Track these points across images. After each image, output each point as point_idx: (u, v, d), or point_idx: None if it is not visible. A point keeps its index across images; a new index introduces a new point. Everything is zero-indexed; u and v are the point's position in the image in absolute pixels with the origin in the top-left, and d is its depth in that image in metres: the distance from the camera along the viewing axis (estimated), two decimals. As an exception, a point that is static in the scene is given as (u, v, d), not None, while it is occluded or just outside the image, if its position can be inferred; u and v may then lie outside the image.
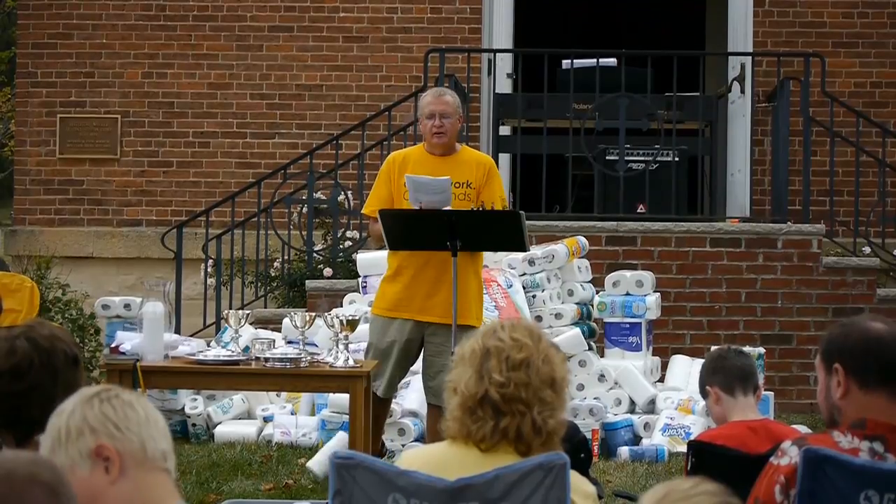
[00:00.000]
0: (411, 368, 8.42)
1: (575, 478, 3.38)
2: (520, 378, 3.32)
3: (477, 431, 3.34)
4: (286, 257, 10.54)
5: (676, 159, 10.45)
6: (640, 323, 8.84)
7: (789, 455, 3.21)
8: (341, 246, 10.45)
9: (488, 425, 3.33)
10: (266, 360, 5.85)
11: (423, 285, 6.71)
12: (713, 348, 4.80)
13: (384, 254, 9.12)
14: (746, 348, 7.39)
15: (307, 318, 6.01)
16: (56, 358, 3.15)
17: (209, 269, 10.54)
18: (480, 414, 3.33)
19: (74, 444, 2.59)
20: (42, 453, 2.56)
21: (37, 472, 2.31)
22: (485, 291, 8.55)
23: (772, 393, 8.71)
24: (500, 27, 11.84)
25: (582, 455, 4.91)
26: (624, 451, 8.12)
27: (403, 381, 8.38)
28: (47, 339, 3.18)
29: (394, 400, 8.21)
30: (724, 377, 4.46)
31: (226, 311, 6.54)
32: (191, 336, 8.84)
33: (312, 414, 8.55)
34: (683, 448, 6.29)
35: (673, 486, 2.41)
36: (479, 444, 3.34)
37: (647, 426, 8.40)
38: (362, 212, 7.53)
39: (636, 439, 8.38)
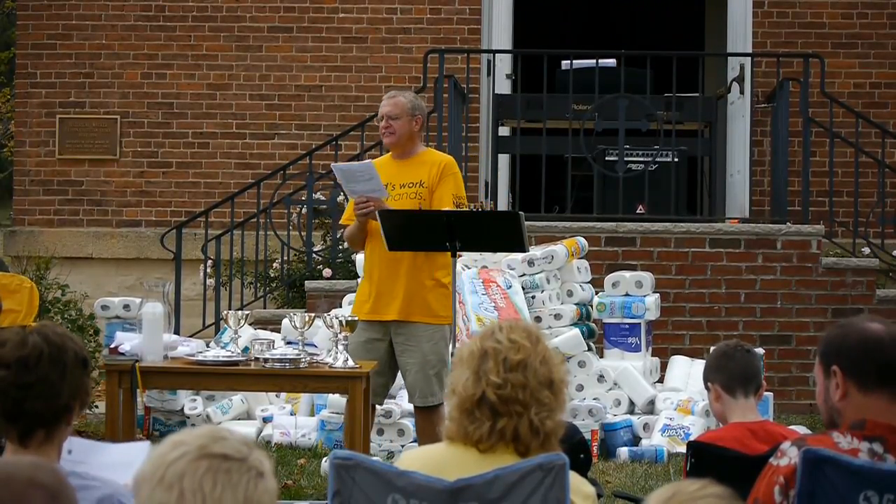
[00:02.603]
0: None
1: (574, 478, 3.39)
2: (517, 379, 3.33)
3: (474, 432, 3.35)
4: (285, 258, 10.54)
5: (676, 160, 10.45)
6: (640, 323, 8.84)
7: (789, 456, 3.21)
8: (340, 247, 10.44)
9: (485, 426, 3.34)
10: (265, 360, 5.85)
11: (378, 285, 6.67)
12: (721, 342, 4.71)
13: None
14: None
15: (306, 318, 6.01)
16: (66, 354, 3.16)
17: (208, 270, 10.54)
18: (478, 415, 3.34)
19: (158, 491, 2.38)
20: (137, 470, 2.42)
21: (37, 475, 2.31)
22: (484, 292, 8.58)
23: (771, 394, 8.71)
24: (499, 28, 11.84)
25: (581, 456, 4.91)
26: (623, 451, 8.12)
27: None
28: (59, 336, 3.19)
29: (393, 400, 8.22)
30: (726, 377, 4.41)
31: (225, 312, 6.54)
32: (190, 337, 8.83)
33: (312, 414, 8.56)
34: (683, 449, 6.29)
35: (680, 487, 2.40)
36: (477, 445, 3.35)
37: (646, 427, 8.40)
38: (340, 221, 7.38)
39: (635, 440, 8.38)
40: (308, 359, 5.89)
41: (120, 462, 3.40)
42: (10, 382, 3.11)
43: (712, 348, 4.69)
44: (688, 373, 8.92)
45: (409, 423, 8.02)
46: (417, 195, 6.63)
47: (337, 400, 8.03)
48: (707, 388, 4.48)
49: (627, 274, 9.04)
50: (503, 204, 11.37)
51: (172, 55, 11.85)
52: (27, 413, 3.11)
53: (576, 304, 8.89)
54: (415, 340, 6.49)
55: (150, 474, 2.34)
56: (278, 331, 9.00)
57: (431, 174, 6.64)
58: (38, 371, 3.12)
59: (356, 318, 6.04)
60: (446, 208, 6.56)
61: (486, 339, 3.39)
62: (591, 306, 8.98)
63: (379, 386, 6.57)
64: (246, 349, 6.77)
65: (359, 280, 9.25)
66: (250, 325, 8.77)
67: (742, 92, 11.43)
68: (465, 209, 6.66)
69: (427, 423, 6.62)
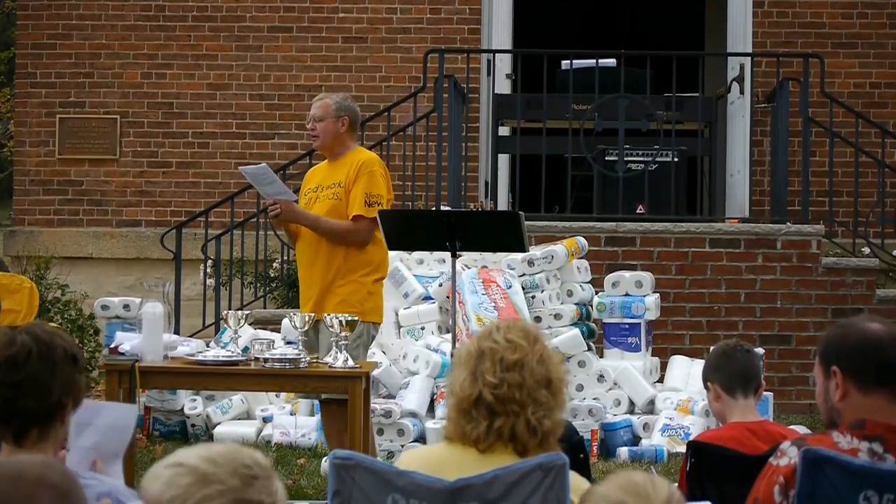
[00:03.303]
0: (410, 368, 8.46)
1: (574, 478, 3.39)
2: (513, 379, 3.34)
3: (472, 432, 3.35)
4: (285, 258, 10.54)
5: (676, 160, 10.45)
6: (640, 323, 8.84)
7: (788, 455, 3.21)
8: (340, 246, 10.44)
9: (482, 426, 3.34)
10: (265, 360, 5.84)
11: (302, 283, 6.70)
12: (721, 342, 4.70)
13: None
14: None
15: (306, 318, 6.01)
16: (55, 352, 3.15)
17: (208, 270, 10.54)
18: (475, 415, 3.35)
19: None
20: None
21: (46, 474, 2.30)
22: (484, 292, 8.58)
23: (771, 394, 8.71)
24: (499, 28, 11.84)
25: (581, 456, 4.90)
26: (623, 451, 8.12)
27: (403, 380, 8.41)
28: (47, 334, 3.19)
29: (393, 400, 8.22)
30: (726, 377, 4.40)
31: (225, 312, 6.54)
32: (190, 337, 8.83)
33: (311, 414, 8.55)
34: (682, 448, 6.29)
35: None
36: (476, 444, 3.36)
37: (646, 427, 8.40)
38: None
39: (635, 440, 8.38)
40: (308, 359, 5.89)
41: (114, 426, 3.44)
42: (0, 382, 3.11)
43: (712, 348, 4.68)
44: (688, 373, 8.92)
45: (409, 422, 8.03)
46: (335, 195, 6.58)
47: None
48: (706, 387, 4.47)
49: (627, 274, 9.04)
50: (503, 204, 11.37)
51: (172, 55, 11.85)
52: (20, 412, 3.11)
53: (576, 304, 8.89)
54: (326, 335, 6.32)
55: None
56: (278, 331, 9.00)
57: (349, 174, 6.58)
58: (27, 369, 3.12)
59: (356, 318, 6.04)
60: (357, 206, 6.49)
61: (484, 339, 3.41)
62: (591, 306, 8.98)
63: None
64: (246, 349, 6.77)
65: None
66: (250, 324, 8.77)
67: (742, 92, 11.43)
68: (380, 208, 6.50)
69: (332, 418, 6.58)
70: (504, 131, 11.32)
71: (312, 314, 6.23)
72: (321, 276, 6.56)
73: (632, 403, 8.68)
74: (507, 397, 3.33)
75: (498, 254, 8.79)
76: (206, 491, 2.30)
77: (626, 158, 10.36)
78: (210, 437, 8.56)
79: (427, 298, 8.91)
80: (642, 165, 10.39)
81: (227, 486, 2.31)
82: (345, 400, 6.38)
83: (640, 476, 2.48)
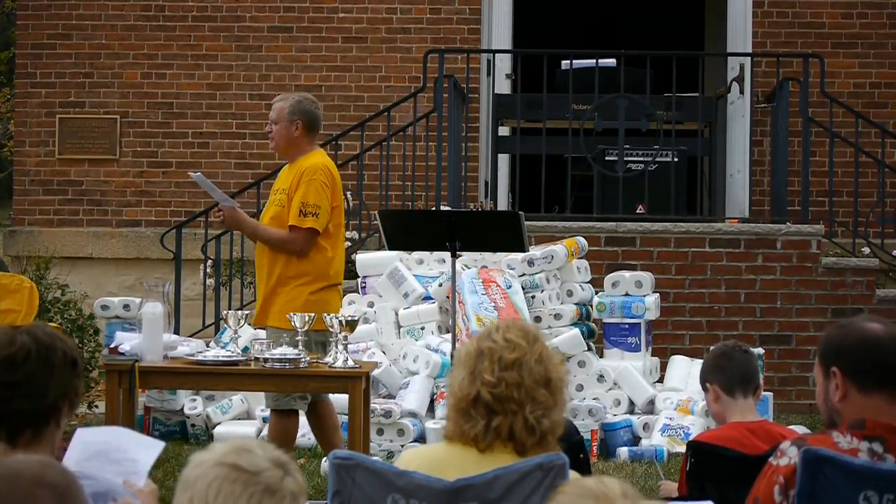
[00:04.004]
0: (410, 368, 8.46)
1: (574, 478, 3.38)
2: (511, 378, 3.34)
3: (470, 431, 3.36)
4: (285, 258, 10.53)
5: (676, 160, 10.45)
6: (640, 323, 8.84)
7: (788, 455, 3.21)
8: (340, 246, 10.44)
9: (480, 425, 3.35)
10: (265, 360, 5.84)
11: (257, 290, 6.71)
12: (719, 343, 4.70)
13: (384, 254, 9.17)
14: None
15: (306, 318, 6.01)
16: (54, 354, 3.14)
17: (208, 270, 10.53)
18: (473, 414, 3.36)
19: (178, 492, 2.42)
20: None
21: (44, 474, 2.30)
22: (484, 292, 8.57)
23: (771, 394, 8.71)
24: (499, 28, 11.84)
25: (581, 456, 4.91)
26: (623, 451, 8.12)
27: (403, 380, 8.40)
28: (48, 336, 3.18)
29: (393, 400, 8.22)
30: (725, 378, 4.41)
31: (225, 312, 6.54)
32: (190, 337, 8.83)
33: (312, 414, 8.55)
34: (682, 448, 6.29)
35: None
36: (474, 443, 3.36)
37: (646, 427, 8.40)
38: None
39: (635, 440, 8.38)
40: (308, 359, 5.89)
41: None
42: None
43: (710, 349, 4.69)
44: (687, 373, 8.92)
45: (409, 423, 8.03)
46: (279, 202, 6.58)
47: (337, 400, 8.02)
48: (705, 389, 4.47)
49: (627, 274, 9.04)
50: (503, 204, 11.37)
51: (172, 55, 11.85)
52: (14, 413, 3.10)
53: (575, 303, 8.89)
54: (269, 343, 6.25)
55: (181, 478, 2.38)
56: (278, 331, 8.98)
57: (293, 181, 6.55)
58: (24, 370, 3.11)
59: (356, 318, 6.04)
60: (292, 216, 6.45)
61: (483, 339, 3.42)
62: (591, 306, 8.98)
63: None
64: (246, 349, 6.77)
65: (358, 280, 9.29)
66: (250, 324, 8.76)
67: (742, 92, 11.43)
68: (316, 220, 6.47)
69: (278, 427, 6.56)
70: (504, 131, 11.32)
71: (246, 312, 6.26)
72: (265, 282, 6.56)
73: (632, 403, 8.68)
74: (505, 396, 3.34)
75: (498, 254, 8.79)
76: (200, 457, 2.37)
77: (625, 158, 10.36)
78: (210, 438, 8.56)
79: (427, 298, 8.91)
80: (642, 165, 10.39)
81: (216, 453, 2.39)
82: (285, 411, 6.44)
83: (590, 480, 2.51)
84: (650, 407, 8.63)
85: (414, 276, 9.02)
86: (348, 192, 10.51)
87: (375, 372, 8.00)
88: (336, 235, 6.60)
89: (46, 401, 3.12)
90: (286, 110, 6.63)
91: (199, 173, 6.85)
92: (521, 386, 3.34)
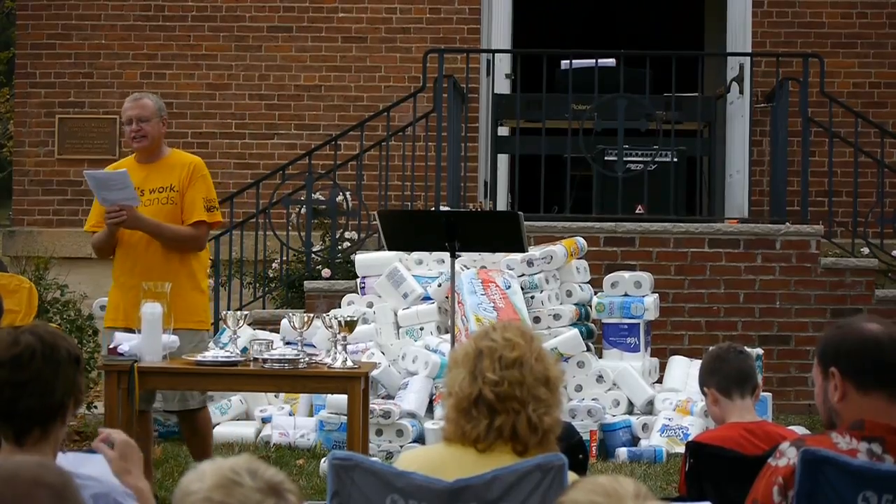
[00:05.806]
0: (409, 368, 8.46)
1: (573, 479, 3.39)
2: (513, 376, 3.34)
3: (471, 431, 3.35)
4: (284, 258, 10.54)
5: (675, 160, 10.45)
6: (639, 324, 8.84)
7: (787, 456, 3.21)
8: (340, 247, 10.44)
9: (482, 424, 3.34)
10: (264, 361, 5.84)
11: (119, 288, 6.59)
12: (714, 346, 4.72)
13: (383, 255, 9.17)
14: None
15: (305, 318, 6.00)
16: (59, 352, 3.16)
17: (207, 270, 10.52)
18: (475, 414, 3.35)
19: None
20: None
21: (42, 474, 2.30)
22: (483, 293, 8.57)
23: (770, 394, 8.71)
24: (498, 28, 11.84)
25: (580, 456, 4.91)
26: (622, 452, 8.12)
27: (402, 381, 8.40)
28: (51, 335, 3.20)
29: (392, 401, 8.22)
30: (721, 379, 4.42)
31: (224, 312, 6.53)
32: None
33: (310, 415, 8.55)
34: (681, 449, 6.29)
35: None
36: (475, 444, 3.36)
37: (645, 427, 8.40)
38: (84, 228, 7.03)
39: (634, 440, 8.38)
40: (307, 359, 5.89)
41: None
42: (5, 381, 3.11)
43: (704, 354, 4.69)
44: (687, 373, 8.91)
45: (408, 423, 8.02)
46: (169, 200, 6.52)
47: (335, 400, 8.03)
48: (703, 393, 4.49)
49: (626, 274, 9.04)
50: (502, 204, 11.37)
51: (172, 55, 11.85)
52: (22, 412, 3.12)
53: (575, 304, 8.89)
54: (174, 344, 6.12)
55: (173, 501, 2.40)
56: (277, 331, 8.99)
57: (182, 177, 6.53)
58: (31, 369, 3.13)
59: (355, 318, 6.04)
60: (198, 212, 6.46)
61: (481, 339, 3.41)
62: (590, 306, 8.98)
63: (146, 391, 6.19)
64: (245, 349, 6.77)
65: (358, 280, 9.28)
66: (249, 325, 8.77)
67: (741, 92, 11.43)
68: (215, 209, 6.55)
69: (189, 427, 6.57)
70: (503, 131, 11.32)
71: (245, 313, 6.25)
72: (163, 280, 6.27)
73: (631, 404, 8.68)
74: (507, 395, 3.33)
75: (497, 254, 8.79)
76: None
77: (625, 158, 10.36)
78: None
79: (426, 299, 8.90)
80: (641, 165, 10.39)
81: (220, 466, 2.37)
82: (192, 410, 6.44)
83: (604, 478, 2.51)
84: (649, 407, 8.63)
85: (413, 276, 9.02)
86: (347, 193, 10.52)
87: (374, 372, 7.99)
88: None
89: (54, 399, 3.14)
90: (155, 107, 6.62)
91: (124, 171, 6.49)
92: (523, 384, 3.34)
